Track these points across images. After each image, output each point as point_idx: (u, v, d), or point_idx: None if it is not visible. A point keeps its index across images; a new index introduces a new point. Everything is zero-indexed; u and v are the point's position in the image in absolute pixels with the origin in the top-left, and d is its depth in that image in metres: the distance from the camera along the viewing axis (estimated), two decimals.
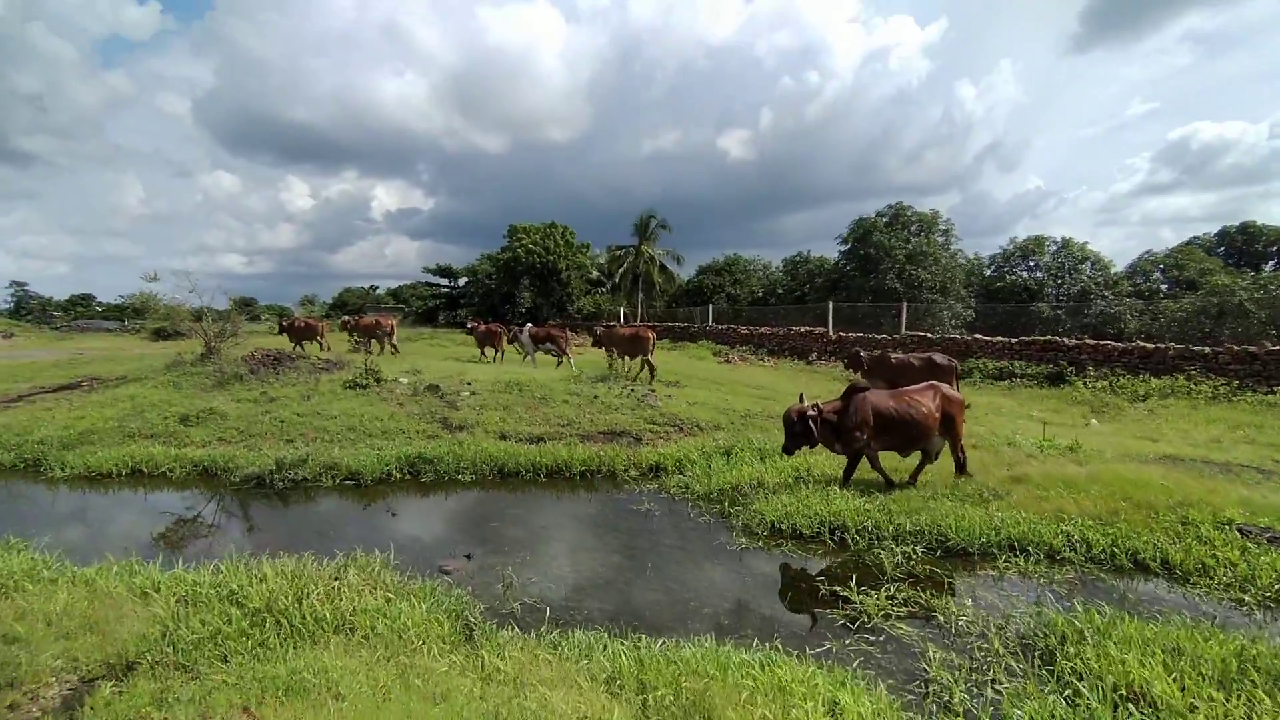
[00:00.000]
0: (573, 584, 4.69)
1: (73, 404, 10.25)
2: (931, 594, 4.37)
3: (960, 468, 6.63)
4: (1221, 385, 13.10)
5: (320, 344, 18.05)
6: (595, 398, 10.32)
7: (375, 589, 3.92)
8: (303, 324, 19.02)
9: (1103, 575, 4.74)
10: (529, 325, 17.35)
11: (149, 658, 3.17)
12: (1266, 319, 21.41)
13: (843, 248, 32.33)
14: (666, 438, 8.85)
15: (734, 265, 41.72)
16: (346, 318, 22.42)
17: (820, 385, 16.12)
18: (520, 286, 39.25)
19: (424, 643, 3.36)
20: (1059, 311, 25.73)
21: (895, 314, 24.02)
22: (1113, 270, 29.83)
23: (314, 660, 3.05)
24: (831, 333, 22.68)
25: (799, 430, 6.06)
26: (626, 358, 15.45)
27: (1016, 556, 4.97)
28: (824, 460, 7.14)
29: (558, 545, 5.50)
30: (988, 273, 32.64)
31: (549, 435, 8.71)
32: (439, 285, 49.51)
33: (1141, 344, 15.38)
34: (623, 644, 3.43)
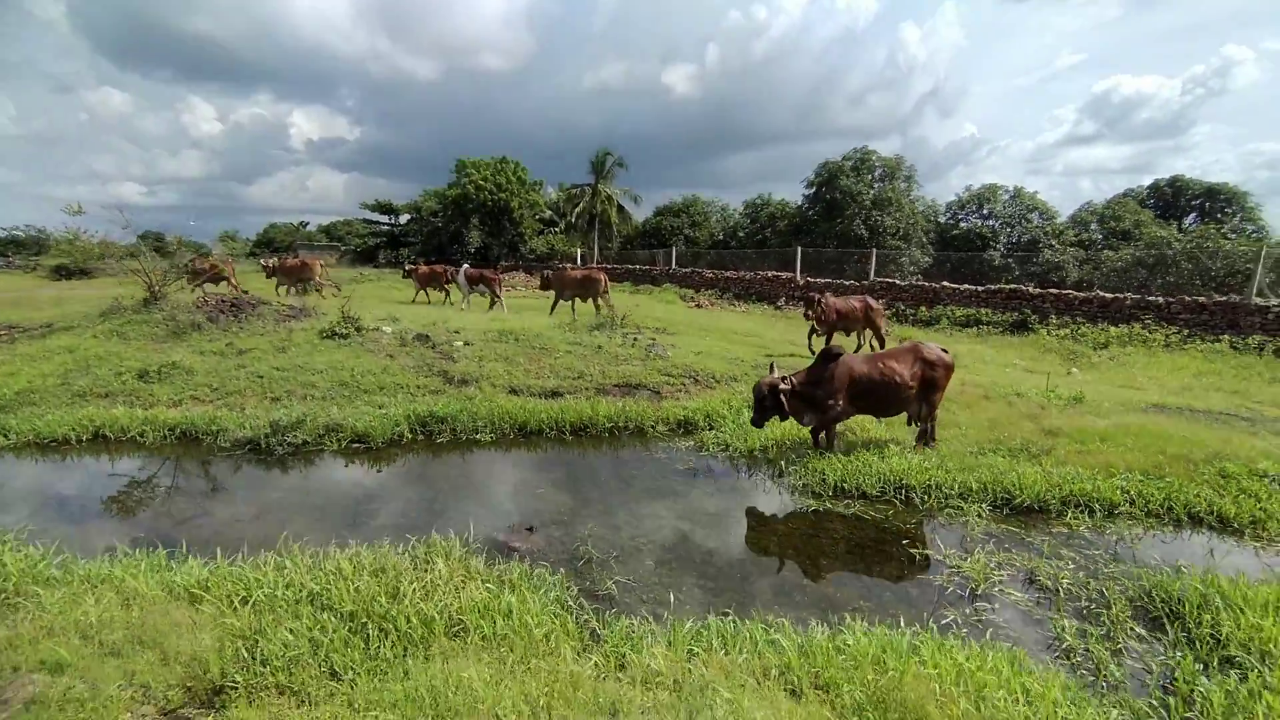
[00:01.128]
0: (656, 557, 4.40)
1: None
2: (1022, 555, 4.38)
3: (923, 437, 6.38)
4: (1173, 334, 13.97)
5: (231, 285, 16.44)
6: (599, 347, 9.85)
7: (469, 579, 3.50)
8: (206, 266, 16.91)
9: (1164, 530, 4.90)
10: (465, 266, 17.35)
11: (241, 680, 2.68)
12: (1193, 270, 23.09)
13: (807, 191, 32.11)
14: (685, 390, 8.56)
15: (692, 206, 40.91)
16: (271, 260, 20.04)
17: (799, 331, 16.15)
18: (470, 225, 37.16)
19: (553, 643, 3.01)
20: (1009, 260, 26.75)
21: (859, 260, 24.31)
22: (1057, 220, 31.13)
23: (448, 674, 2.65)
24: (799, 278, 22.70)
25: (769, 404, 5.84)
26: (577, 300, 14.93)
27: (1080, 512, 5.06)
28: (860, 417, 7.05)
29: (619, 513, 5.16)
30: (942, 219, 33.37)
31: (563, 389, 8.25)
32: (379, 223, 46.20)
33: (1100, 294, 16.14)
34: (768, 631, 3.20)
